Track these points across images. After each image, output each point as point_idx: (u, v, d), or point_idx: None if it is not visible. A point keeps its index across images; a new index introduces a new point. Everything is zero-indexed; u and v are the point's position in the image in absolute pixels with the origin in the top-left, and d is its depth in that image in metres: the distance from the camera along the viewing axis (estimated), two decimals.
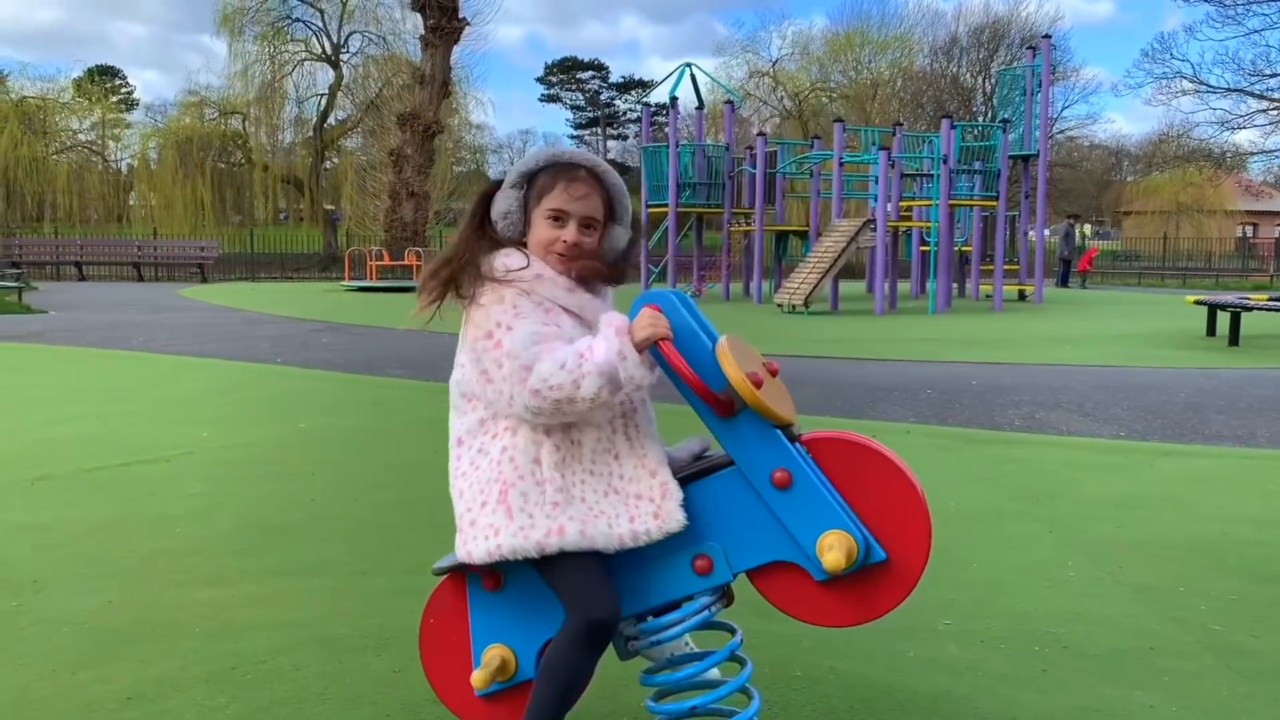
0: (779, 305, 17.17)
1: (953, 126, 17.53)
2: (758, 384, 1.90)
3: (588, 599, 1.95)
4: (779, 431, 1.98)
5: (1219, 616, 3.30)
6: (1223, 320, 12.49)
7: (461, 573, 2.16)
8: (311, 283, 27.67)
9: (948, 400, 7.61)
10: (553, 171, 2.09)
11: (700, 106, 24.43)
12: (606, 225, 2.14)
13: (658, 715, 2.10)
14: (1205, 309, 13.07)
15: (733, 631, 2.19)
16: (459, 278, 2.06)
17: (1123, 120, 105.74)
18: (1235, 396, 7.89)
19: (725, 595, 2.13)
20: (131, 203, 44.05)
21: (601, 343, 1.94)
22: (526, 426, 2.01)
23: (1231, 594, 3.51)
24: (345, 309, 17.14)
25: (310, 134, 42.70)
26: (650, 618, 2.08)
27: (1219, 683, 2.80)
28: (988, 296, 19.85)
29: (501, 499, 1.99)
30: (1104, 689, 2.75)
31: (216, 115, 42.11)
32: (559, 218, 2.07)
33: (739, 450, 1.99)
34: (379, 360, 9.75)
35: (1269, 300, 12.75)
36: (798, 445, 2.01)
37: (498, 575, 2.11)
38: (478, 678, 2.09)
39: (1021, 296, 20.89)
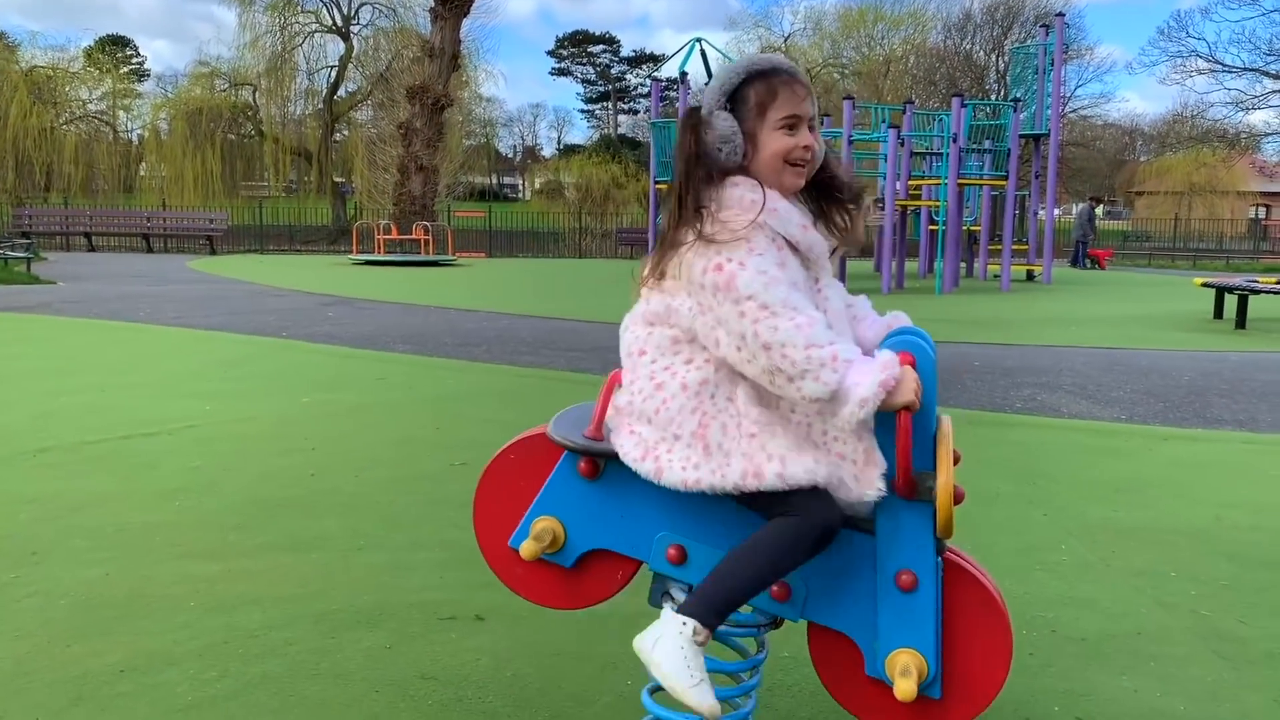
0: None
1: (963, 105, 17.40)
2: (959, 499, 1.83)
3: (815, 507, 1.86)
4: (934, 538, 1.90)
5: (1208, 602, 3.31)
6: (1230, 303, 12.43)
7: (575, 452, 2.09)
8: (320, 255, 27.73)
9: (950, 381, 7.60)
10: (765, 80, 1.93)
11: (709, 81, 24.32)
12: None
13: (650, 713, 2.09)
14: (1213, 291, 13.01)
15: (761, 645, 2.19)
16: (691, 225, 1.88)
17: (1137, 99, 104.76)
18: (1238, 381, 7.87)
19: (777, 622, 2.12)
20: (142, 173, 44.09)
21: (860, 373, 1.78)
22: (726, 364, 1.89)
23: (1222, 579, 3.52)
24: (352, 282, 17.17)
25: (320, 106, 42.66)
26: None
27: (1204, 668, 2.81)
28: (995, 276, 19.78)
29: (698, 432, 1.89)
30: (1089, 673, 2.77)
31: (227, 86, 42.09)
32: (793, 125, 1.93)
33: (888, 530, 1.91)
34: (383, 335, 9.77)
35: (1277, 283, 12.67)
36: (939, 559, 1.93)
37: (598, 465, 2.07)
38: (527, 548, 2.08)
39: (1030, 277, 20.81)
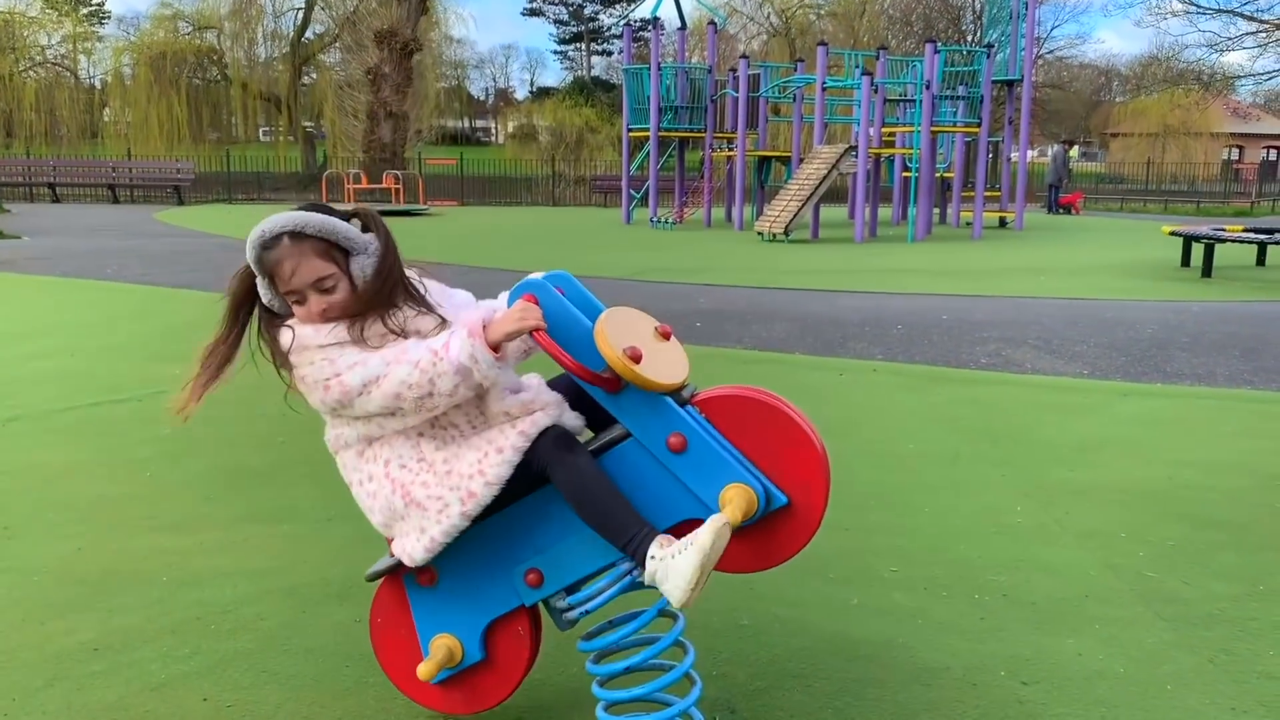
0: (759, 234, 17.14)
1: (936, 51, 17.32)
2: (636, 359, 1.95)
3: (537, 442, 2.07)
4: (668, 398, 2.05)
5: (1155, 563, 3.42)
6: (1197, 251, 12.57)
7: (397, 573, 2.26)
8: (290, 205, 27.38)
9: (917, 336, 7.70)
10: (264, 259, 2.11)
11: (683, 27, 24.02)
12: (342, 264, 2.13)
13: (596, 676, 2.20)
14: (1181, 240, 13.14)
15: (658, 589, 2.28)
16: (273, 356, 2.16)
17: (1114, 39, 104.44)
18: (1199, 333, 8.00)
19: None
20: (106, 119, 43.28)
21: (455, 342, 2.02)
22: (398, 436, 2.12)
23: (1170, 540, 3.63)
24: None
25: (287, 50, 41.87)
26: (578, 589, 2.19)
27: (1146, 631, 2.93)
28: (968, 223, 19.86)
29: (410, 502, 2.09)
30: (1037, 637, 2.87)
31: (191, 30, 41.18)
32: (298, 299, 2.11)
33: (633, 422, 2.07)
34: None
35: (1243, 231, 12.81)
36: (690, 408, 2.09)
37: (431, 570, 2.21)
38: (424, 669, 2.20)
39: (1002, 223, 20.90)
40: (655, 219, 20.24)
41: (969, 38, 39.51)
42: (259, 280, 2.15)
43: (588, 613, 2.18)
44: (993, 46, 19.26)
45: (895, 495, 4.09)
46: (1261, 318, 8.96)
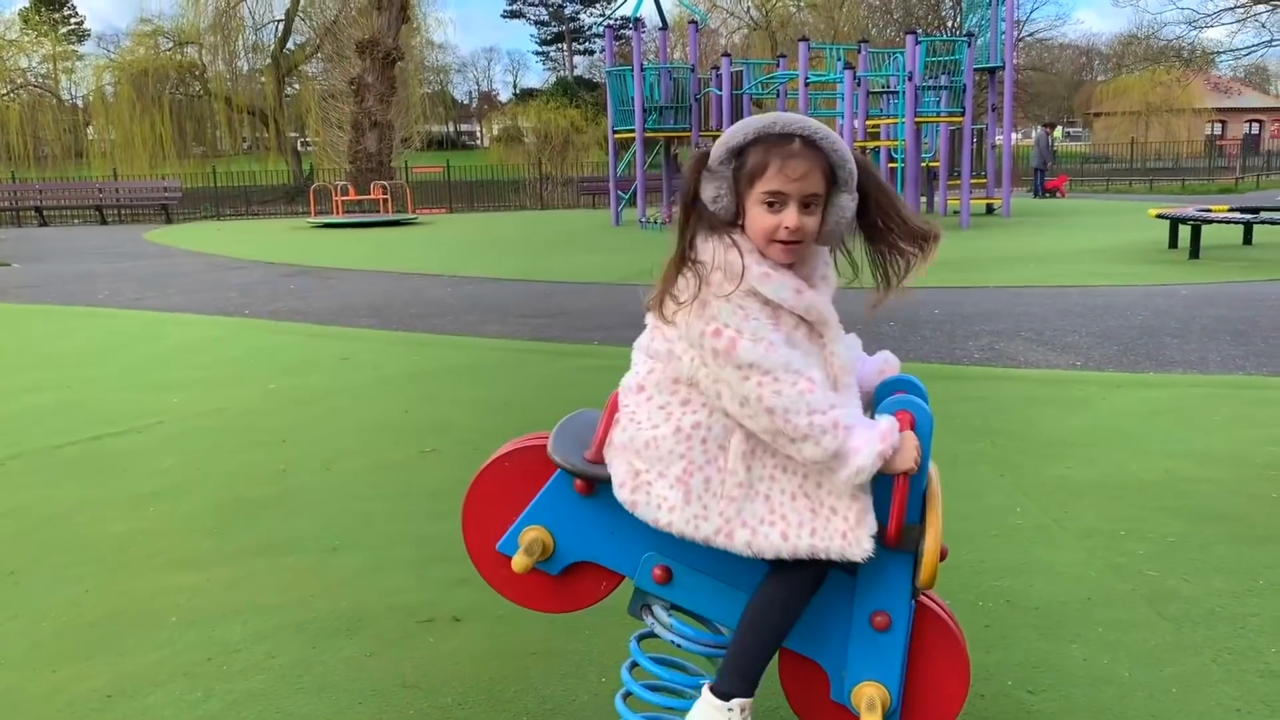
0: None
1: (918, 42, 17.36)
2: (944, 556, 1.93)
3: (804, 564, 1.94)
4: (912, 582, 2.01)
5: (1155, 560, 3.45)
6: (1184, 232, 12.63)
7: (572, 471, 2.13)
8: (278, 219, 27.37)
9: (910, 332, 7.73)
10: (764, 146, 1.88)
11: (664, 26, 24.03)
12: (830, 196, 1.93)
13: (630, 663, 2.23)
14: (1167, 221, 13.20)
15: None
16: (684, 272, 1.91)
17: (1094, 17, 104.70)
18: (1189, 318, 8.05)
19: None
20: (90, 137, 43.18)
21: (860, 440, 1.84)
22: (723, 413, 1.93)
23: (1170, 536, 3.67)
24: (312, 249, 17.02)
25: (269, 61, 41.79)
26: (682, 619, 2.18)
27: (1149, 632, 2.96)
28: (956, 212, 19.89)
29: (683, 478, 1.93)
30: (1041, 643, 2.90)
31: (171, 45, 41.10)
32: (775, 202, 1.88)
33: (868, 575, 2.01)
34: (348, 309, 9.75)
35: (1229, 210, 12.87)
36: (913, 604, 2.06)
37: (592, 484, 2.12)
38: (519, 562, 2.13)
39: (989, 210, 20.96)
40: (644, 220, 20.26)
41: (949, 24, 39.56)
42: (714, 170, 1.90)
43: (673, 632, 2.17)
44: (973, 35, 19.30)
45: None
46: (1250, 299, 9.01)
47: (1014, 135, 22.54)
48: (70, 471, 4.74)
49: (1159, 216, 13.42)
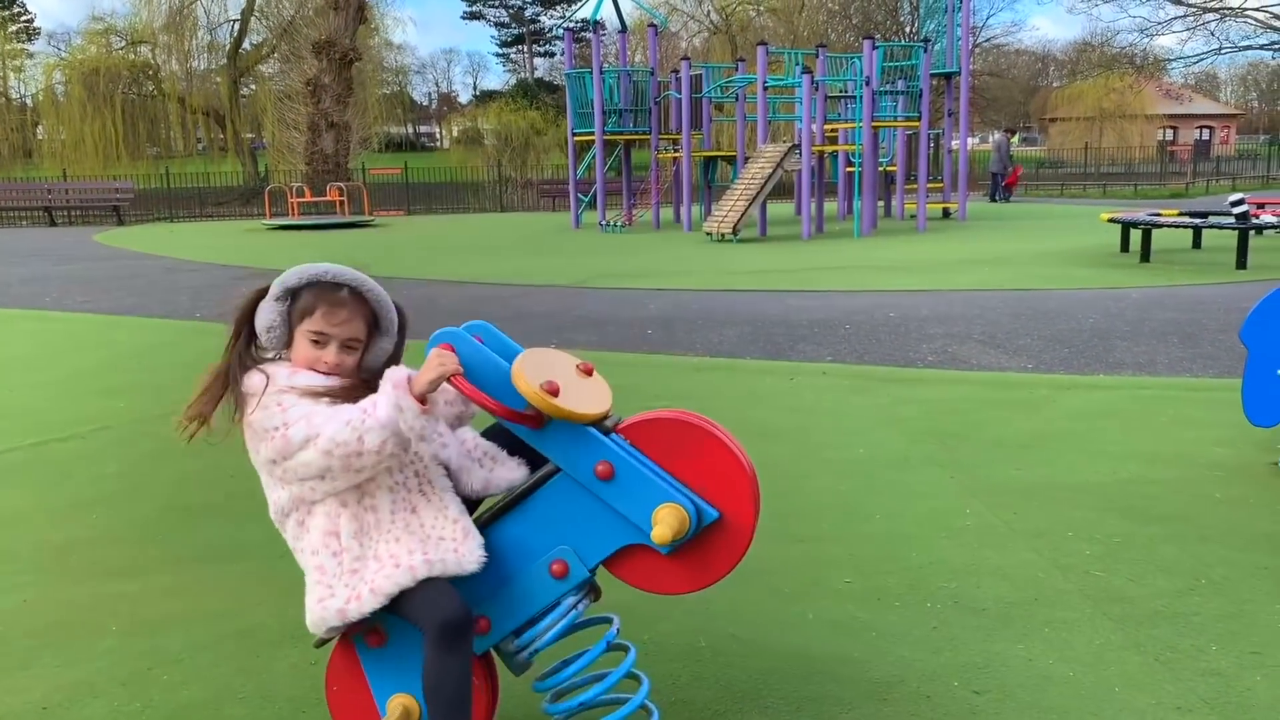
0: (708, 234, 17.20)
1: (875, 47, 17.50)
2: (553, 392, 2.00)
3: (431, 609, 2.05)
4: (592, 429, 2.09)
5: (1101, 561, 3.49)
6: (1135, 236, 12.83)
7: (348, 636, 2.25)
8: (232, 221, 27.04)
9: (865, 335, 7.78)
10: (315, 291, 2.16)
11: (624, 29, 24.03)
12: (371, 338, 2.24)
13: (554, 716, 2.21)
14: (1119, 226, 13.39)
15: (609, 622, 2.30)
16: (228, 396, 2.16)
17: (1049, 24, 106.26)
18: (1139, 321, 8.18)
19: (591, 590, 2.24)
20: (40, 137, 42.40)
21: (382, 397, 2.03)
22: (320, 507, 2.12)
23: (1116, 536, 3.71)
24: (267, 251, 16.82)
25: (224, 62, 41.30)
26: (525, 630, 2.19)
27: (1094, 631, 2.99)
28: (913, 216, 20.08)
29: (318, 580, 2.12)
30: (989, 644, 2.92)
31: (124, 44, 40.48)
32: (319, 340, 2.16)
33: (559, 455, 2.12)
34: None
35: (1179, 215, 13.09)
36: (614, 436, 2.13)
37: (380, 631, 2.20)
38: None
39: (946, 214, 21.16)
40: (604, 223, 20.24)
41: (907, 29, 39.94)
42: (269, 305, 2.17)
43: (538, 651, 2.19)
44: (929, 40, 19.49)
45: (847, 502, 4.13)
46: (1199, 302, 9.17)
47: (970, 140, 22.83)
48: (11, 478, 4.64)
49: (1111, 220, 13.62)
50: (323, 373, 2.16)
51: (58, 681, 2.79)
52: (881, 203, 21.26)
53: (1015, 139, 30.32)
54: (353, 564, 2.10)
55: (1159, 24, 36.28)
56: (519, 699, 2.53)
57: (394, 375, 2.05)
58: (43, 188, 28.32)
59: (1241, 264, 11.51)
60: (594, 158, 21.06)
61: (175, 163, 35.77)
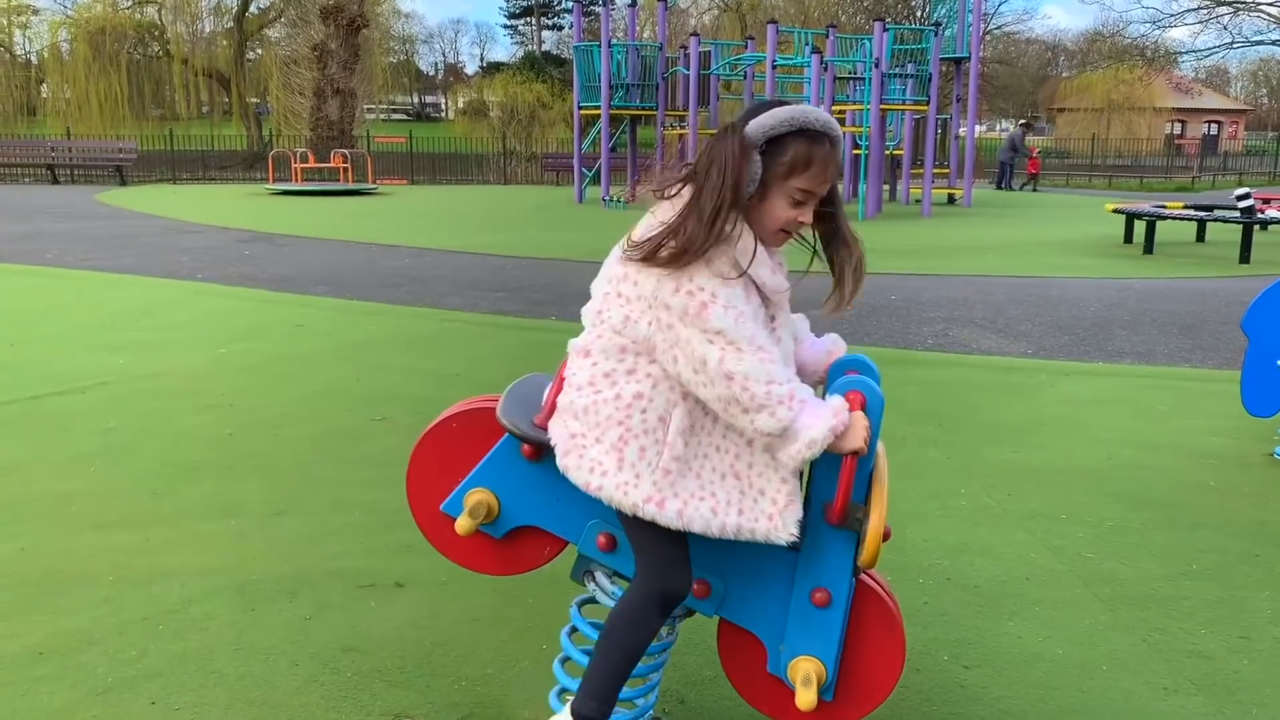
0: None
1: (885, 29, 17.41)
2: (887, 537, 1.93)
3: (667, 570, 1.97)
4: (853, 558, 2.02)
5: (1094, 544, 3.52)
6: (1140, 228, 12.81)
7: (520, 436, 2.13)
8: (235, 185, 26.95)
9: (866, 316, 7.78)
10: (807, 143, 1.89)
11: (633, 3, 23.88)
12: None
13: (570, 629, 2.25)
14: (1123, 217, 13.37)
15: (672, 630, 2.27)
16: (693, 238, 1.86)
17: (1061, 13, 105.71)
18: (1141, 311, 8.18)
19: (691, 612, 2.21)
20: (44, 95, 42.16)
21: (812, 416, 1.86)
22: (667, 382, 1.93)
23: (1109, 520, 3.73)
24: (269, 216, 16.78)
25: (230, 24, 41.06)
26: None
27: (1084, 612, 3.01)
28: (918, 200, 20.04)
29: (618, 445, 1.93)
30: (978, 621, 2.95)
31: (131, 4, 40.21)
32: (804, 199, 1.93)
33: (811, 551, 2.03)
34: (302, 276, 9.63)
35: (1183, 208, 13.07)
36: (854, 580, 2.06)
37: (540, 449, 2.11)
38: (463, 524, 2.13)
39: (951, 200, 21.12)
40: (608, 198, 20.19)
41: (919, 13, 39.67)
42: (750, 154, 1.88)
43: (599, 603, 2.19)
44: (940, 25, 19.39)
45: None
46: (1200, 294, 9.17)
47: (978, 127, 22.74)
48: (9, 430, 4.65)
49: (1115, 211, 13.59)
50: (791, 235, 1.96)
51: (54, 628, 2.81)
52: (887, 187, 21.20)
53: (1029, 138, 29.88)
54: (670, 462, 1.91)
55: (1171, 16, 36.15)
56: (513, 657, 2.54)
57: (839, 408, 1.88)
58: (46, 145, 28.19)
59: (1245, 258, 11.50)
60: (599, 132, 20.98)
61: (179, 125, 35.61)
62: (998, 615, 2.98)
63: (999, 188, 26.91)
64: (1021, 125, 29.26)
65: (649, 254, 1.88)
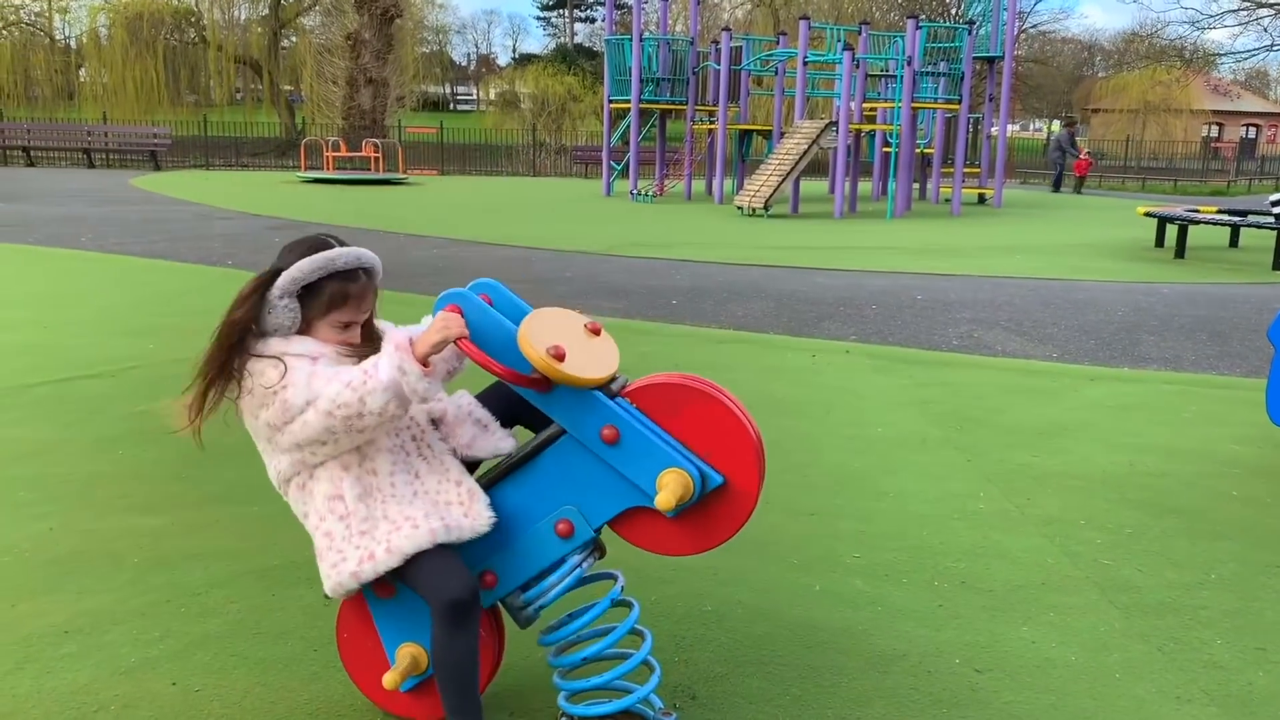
0: (739, 208, 17.13)
1: (918, 27, 17.30)
2: (559, 357, 1.99)
3: (439, 584, 2.07)
4: (598, 393, 2.09)
5: (1112, 550, 3.50)
6: (1171, 232, 12.68)
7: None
8: (267, 172, 27.17)
9: (890, 316, 7.76)
10: (339, 282, 2.12)
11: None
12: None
13: (558, 668, 2.26)
14: (1155, 220, 13.24)
15: (614, 579, 2.33)
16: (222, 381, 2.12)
17: (1098, 13, 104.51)
18: (1169, 316, 8.10)
19: (596, 549, 2.27)
20: (83, 79, 42.61)
21: (384, 359, 2.02)
22: (322, 471, 2.12)
23: (1128, 527, 3.72)
24: (300, 203, 16.92)
25: (265, 12, 41.33)
26: (532, 586, 2.23)
27: (1099, 618, 3.00)
28: (947, 200, 19.91)
29: (323, 539, 2.15)
30: (992, 624, 2.95)
31: None
32: (349, 326, 2.16)
33: (566, 419, 2.12)
34: None
35: (1216, 213, 12.92)
36: (620, 400, 2.13)
37: (389, 584, 2.22)
38: (389, 679, 2.21)
39: (981, 200, 20.97)
40: (635, 191, 20.20)
41: (953, 11, 39.37)
42: (284, 303, 2.10)
43: (544, 607, 2.24)
44: (974, 23, 19.24)
45: (862, 479, 4.15)
46: (1231, 300, 9.07)
47: (1010, 127, 22.54)
48: (39, 411, 4.73)
49: (1147, 214, 13.46)
50: (344, 353, 2.16)
51: (79, 608, 2.87)
52: (916, 185, 21.10)
53: (1056, 126, 29.45)
54: (361, 525, 2.10)
55: (1211, 17, 35.56)
56: (525, 651, 2.57)
57: (396, 337, 2.04)
58: (83, 130, 28.54)
59: (1279, 265, 11.36)
60: (629, 126, 20.99)
61: (213, 111, 35.89)
62: (1012, 620, 2.98)
63: (1054, 191, 26.33)
64: (1066, 126, 28.74)
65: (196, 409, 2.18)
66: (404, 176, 24.85)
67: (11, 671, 2.54)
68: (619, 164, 21.92)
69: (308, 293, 2.12)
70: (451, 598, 2.05)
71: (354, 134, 26.42)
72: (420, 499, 2.13)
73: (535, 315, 2.10)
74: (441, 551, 2.08)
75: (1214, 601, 3.14)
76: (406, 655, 2.26)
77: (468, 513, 2.14)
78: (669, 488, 2.02)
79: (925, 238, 14.09)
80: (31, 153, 27.42)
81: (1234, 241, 13.52)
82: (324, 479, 2.13)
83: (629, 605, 2.30)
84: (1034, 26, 48.84)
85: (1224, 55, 38.34)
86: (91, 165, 27.18)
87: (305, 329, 2.14)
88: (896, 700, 2.52)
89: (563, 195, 21.51)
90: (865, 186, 21.44)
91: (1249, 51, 39.43)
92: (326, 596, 2.19)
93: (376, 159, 24.36)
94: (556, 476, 2.17)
